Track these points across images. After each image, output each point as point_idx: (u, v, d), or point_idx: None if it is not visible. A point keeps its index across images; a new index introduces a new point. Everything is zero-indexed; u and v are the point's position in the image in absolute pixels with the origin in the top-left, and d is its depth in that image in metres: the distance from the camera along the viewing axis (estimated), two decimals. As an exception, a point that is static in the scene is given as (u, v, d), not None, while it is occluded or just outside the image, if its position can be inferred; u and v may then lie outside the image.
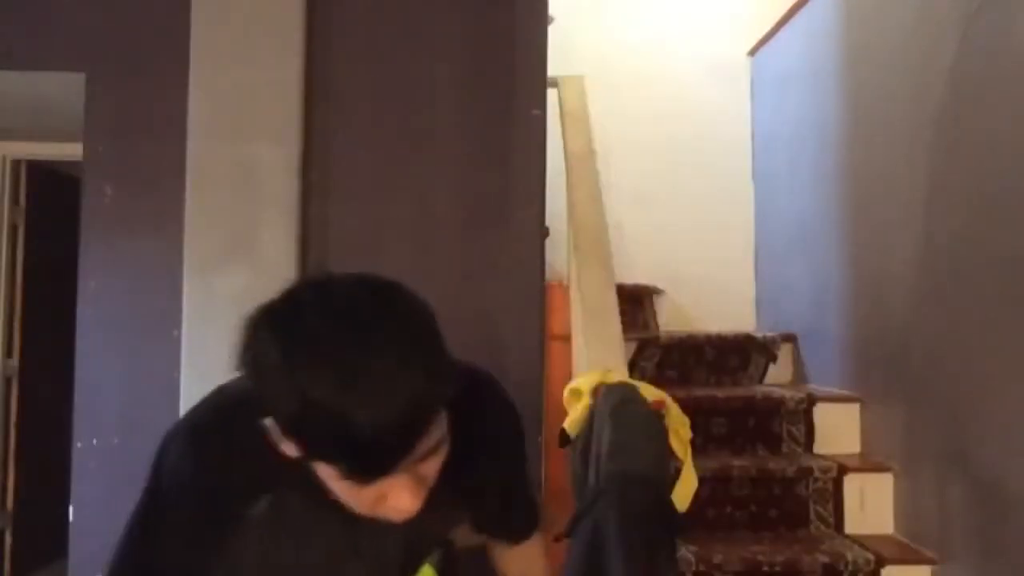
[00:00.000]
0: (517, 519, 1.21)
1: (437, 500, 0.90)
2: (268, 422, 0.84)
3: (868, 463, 2.89)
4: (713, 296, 4.26)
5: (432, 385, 0.80)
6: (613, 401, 2.00)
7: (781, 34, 4.00)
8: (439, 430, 0.84)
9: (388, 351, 0.78)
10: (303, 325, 0.81)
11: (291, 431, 0.80)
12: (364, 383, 0.76)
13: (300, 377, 0.77)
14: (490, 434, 1.06)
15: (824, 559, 2.53)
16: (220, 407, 1.00)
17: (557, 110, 3.19)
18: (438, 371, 0.81)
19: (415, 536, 1.01)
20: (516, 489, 1.18)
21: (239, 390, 0.96)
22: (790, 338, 3.62)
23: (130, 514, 1.00)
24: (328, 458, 0.80)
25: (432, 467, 0.87)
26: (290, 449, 0.83)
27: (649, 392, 2.08)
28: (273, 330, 0.83)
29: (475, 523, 1.13)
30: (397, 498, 0.83)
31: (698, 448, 2.47)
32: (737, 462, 2.86)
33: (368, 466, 0.79)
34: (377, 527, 0.91)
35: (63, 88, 2.86)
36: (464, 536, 1.15)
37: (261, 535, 0.96)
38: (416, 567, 1.09)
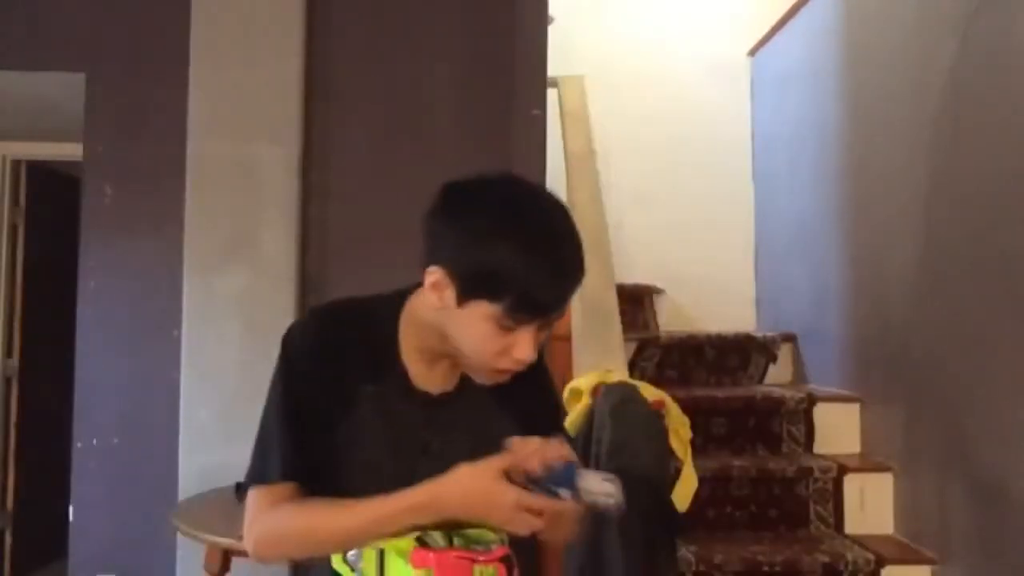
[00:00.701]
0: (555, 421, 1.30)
1: (498, 420, 1.12)
2: (430, 274, 1.03)
3: (868, 463, 2.89)
4: (713, 296, 4.26)
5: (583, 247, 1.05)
6: (613, 401, 2.00)
7: (781, 34, 4.00)
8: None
9: (566, 224, 1.04)
10: (496, 195, 1.05)
11: (473, 273, 1.00)
12: (551, 239, 1.01)
13: (503, 227, 0.99)
14: (538, 369, 1.21)
15: (824, 559, 2.53)
16: (333, 306, 1.18)
17: (557, 110, 3.19)
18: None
19: (479, 447, 1.08)
20: (562, 419, 1.32)
21: (344, 300, 1.18)
22: (790, 338, 3.62)
23: (267, 398, 1.13)
24: (507, 294, 0.98)
25: (544, 337, 1.06)
26: (441, 297, 1.03)
27: (649, 392, 2.08)
28: (472, 197, 1.05)
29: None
30: (522, 347, 1.03)
31: (698, 448, 2.47)
32: (737, 462, 2.86)
33: (536, 305, 1.00)
34: (447, 434, 1.11)
35: (63, 88, 2.86)
36: None
37: (370, 414, 1.09)
38: None
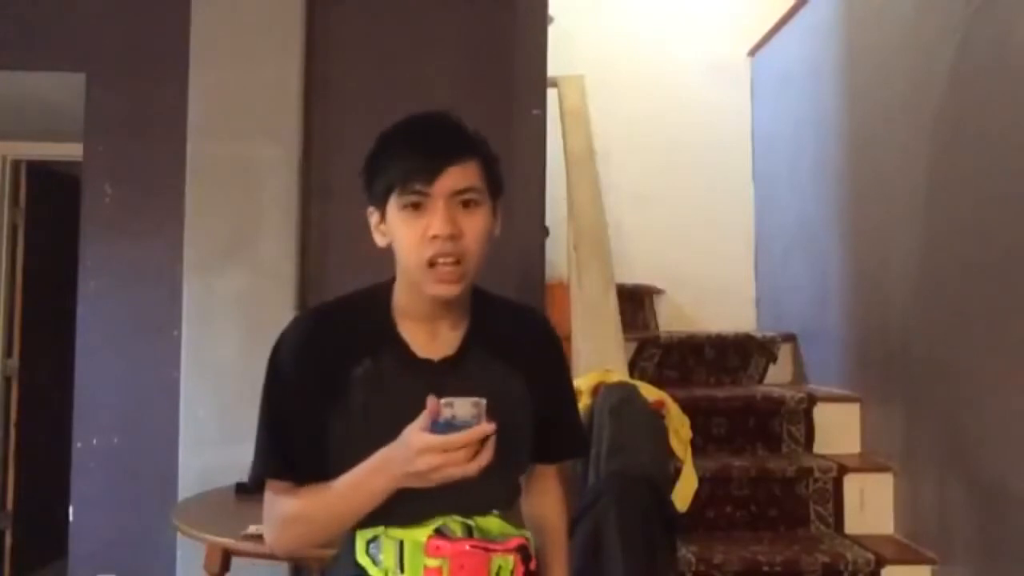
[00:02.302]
0: (575, 424, 1.33)
1: (510, 378, 1.16)
2: (370, 219, 1.15)
3: (868, 463, 2.89)
4: (713, 296, 4.26)
5: (460, 125, 1.14)
6: (613, 401, 2.00)
7: (781, 34, 4.00)
8: (474, 179, 1.10)
9: (428, 114, 1.14)
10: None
11: (371, 186, 1.12)
12: (403, 123, 1.13)
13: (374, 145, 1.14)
14: (550, 337, 1.28)
15: (824, 559, 2.53)
16: (321, 303, 1.22)
17: (557, 110, 3.19)
18: (467, 129, 1.14)
19: (494, 406, 1.10)
20: (572, 397, 1.33)
21: (337, 297, 1.22)
22: (790, 338, 3.61)
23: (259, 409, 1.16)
24: (384, 177, 1.09)
25: (472, 222, 1.09)
26: (378, 229, 1.13)
27: (649, 392, 2.08)
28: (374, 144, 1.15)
29: (539, 425, 1.20)
30: (434, 222, 1.06)
31: (698, 448, 2.47)
32: (737, 462, 2.86)
33: (402, 171, 1.07)
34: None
35: (63, 88, 2.86)
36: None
37: (364, 396, 1.11)
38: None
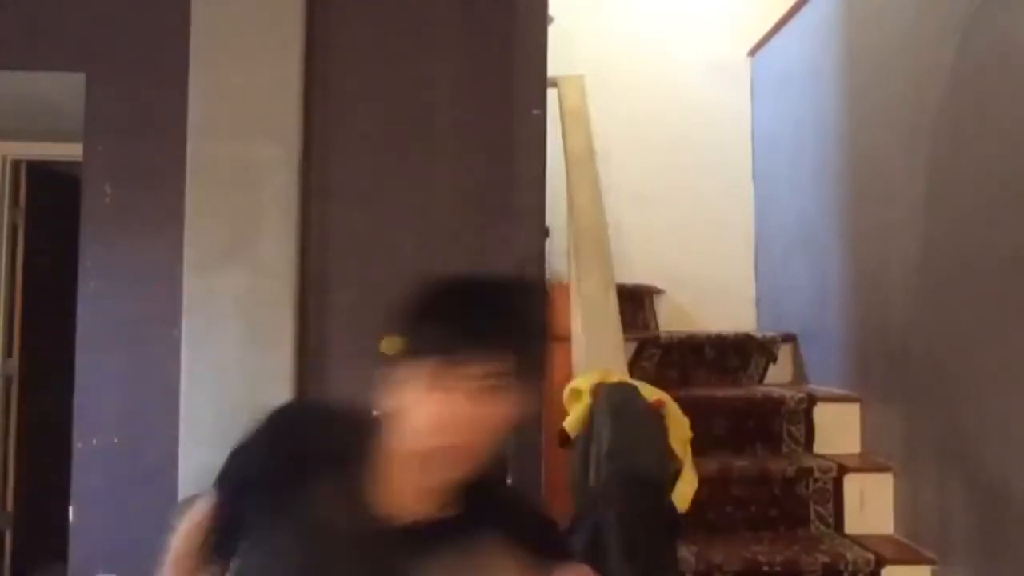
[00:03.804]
0: (563, 545, 1.31)
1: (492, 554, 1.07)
2: (399, 364, 1.04)
3: (868, 463, 2.89)
4: (713, 296, 4.26)
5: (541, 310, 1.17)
6: (613, 401, 2.00)
7: (781, 34, 4.00)
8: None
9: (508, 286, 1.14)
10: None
11: (419, 340, 1.04)
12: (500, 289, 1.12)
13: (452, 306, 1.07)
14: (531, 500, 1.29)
15: (824, 559, 2.53)
16: (304, 405, 1.28)
17: (557, 110, 3.19)
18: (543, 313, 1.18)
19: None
20: (557, 531, 1.30)
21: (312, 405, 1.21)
22: (790, 338, 3.62)
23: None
24: (459, 355, 1.01)
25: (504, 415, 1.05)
26: (401, 390, 1.04)
27: (649, 392, 2.08)
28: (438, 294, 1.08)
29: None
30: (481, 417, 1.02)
31: (698, 448, 2.47)
32: (737, 462, 2.86)
33: (492, 370, 1.01)
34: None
35: (63, 88, 2.86)
36: None
37: (298, 524, 1.06)
38: None
